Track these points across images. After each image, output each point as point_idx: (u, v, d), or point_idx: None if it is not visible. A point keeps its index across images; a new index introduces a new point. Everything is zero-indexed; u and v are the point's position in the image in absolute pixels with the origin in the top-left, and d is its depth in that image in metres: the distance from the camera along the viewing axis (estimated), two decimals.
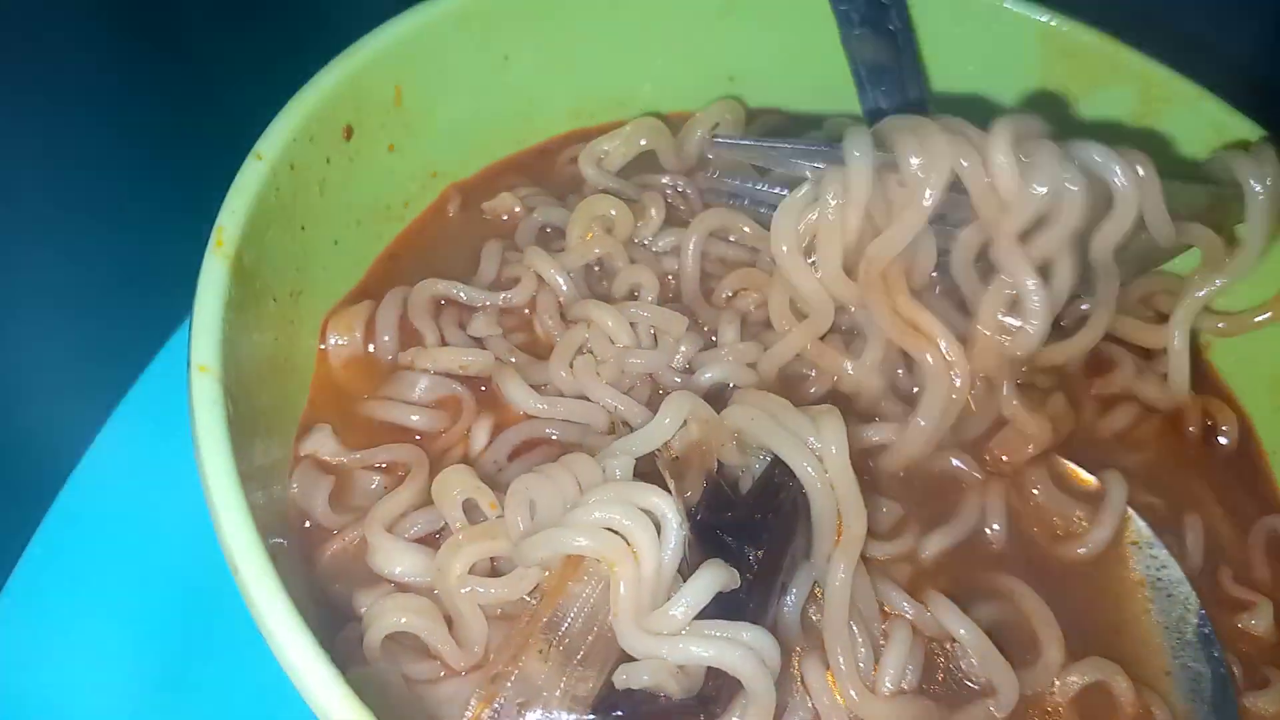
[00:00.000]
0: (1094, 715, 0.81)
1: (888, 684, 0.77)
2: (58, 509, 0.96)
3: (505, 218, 1.02)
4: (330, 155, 0.89)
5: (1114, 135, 1.03)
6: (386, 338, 0.92)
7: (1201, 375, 1.02)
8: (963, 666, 0.81)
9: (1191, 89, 1.01)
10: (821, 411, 0.76)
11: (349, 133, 0.91)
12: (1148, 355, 1.00)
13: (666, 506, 0.71)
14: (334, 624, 0.77)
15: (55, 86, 1.23)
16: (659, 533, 0.70)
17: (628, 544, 0.70)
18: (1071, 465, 0.92)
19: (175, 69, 1.29)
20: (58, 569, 0.94)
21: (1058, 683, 0.81)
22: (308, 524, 0.83)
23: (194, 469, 0.90)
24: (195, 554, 0.92)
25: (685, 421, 0.77)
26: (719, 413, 0.78)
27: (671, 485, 0.74)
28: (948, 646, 0.81)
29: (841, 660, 0.75)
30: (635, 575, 0.70)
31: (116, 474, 0.97)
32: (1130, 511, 0.90)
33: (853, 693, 0.75)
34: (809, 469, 0.75)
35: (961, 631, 0.80)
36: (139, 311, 1.03)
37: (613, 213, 0.97)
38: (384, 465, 0.86)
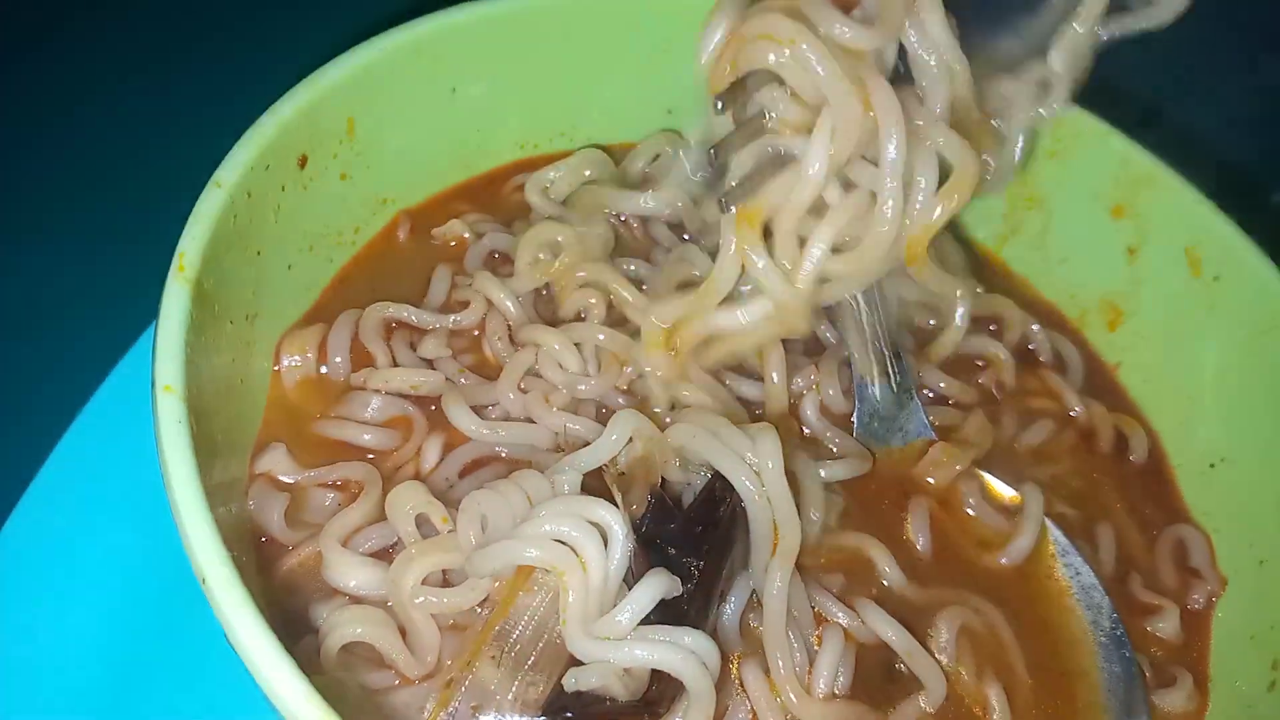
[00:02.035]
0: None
1: (821, 686, 0.81)
2: (11, 526, 0.96)
3: (453, 243, 1.06)
4: (285, 183, 0.92)
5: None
6: (339, 359, 0.94)
7: (1112, 393, 1.09)
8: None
9: (1099, 126, 1.07)
10: (759, 429, 0.81)
11: (303, 161, 0.93)
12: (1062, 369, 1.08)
13: (613, 519, 0.74)
14: (290, 636, 0.78)
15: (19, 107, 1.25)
16: (606, 544, 0.74)
17: (576, 555, 0.73)
18: (991, 480, 0.98)
19: (131, 92, 1.31)
20: (13, 580, 0.94)
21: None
22: (264, 539, 0.85)
23: (148, 485, 0.93)
24: (151, 567, 0.96)
25: (631, 438, 0.81)
26: (663, 430, 0.83)
27: (619, 499, 0.77)
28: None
29: (780, 664, 0.79)
30: (583, 584, 0.73)
31: (71, 489, 0.98)
32: (1047, 522, 0.95)
33: (791, 695, 0.79)
34: (747, 483, 0.79)
35: (890, 634, 0.84)
36: (92, 329, 1.04)
37: (560, 239, 1.01)
38: (338, 483, 0.88)
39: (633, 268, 1.03)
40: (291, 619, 0.81)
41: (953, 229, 1.16)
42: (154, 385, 0.72)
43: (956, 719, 0.84)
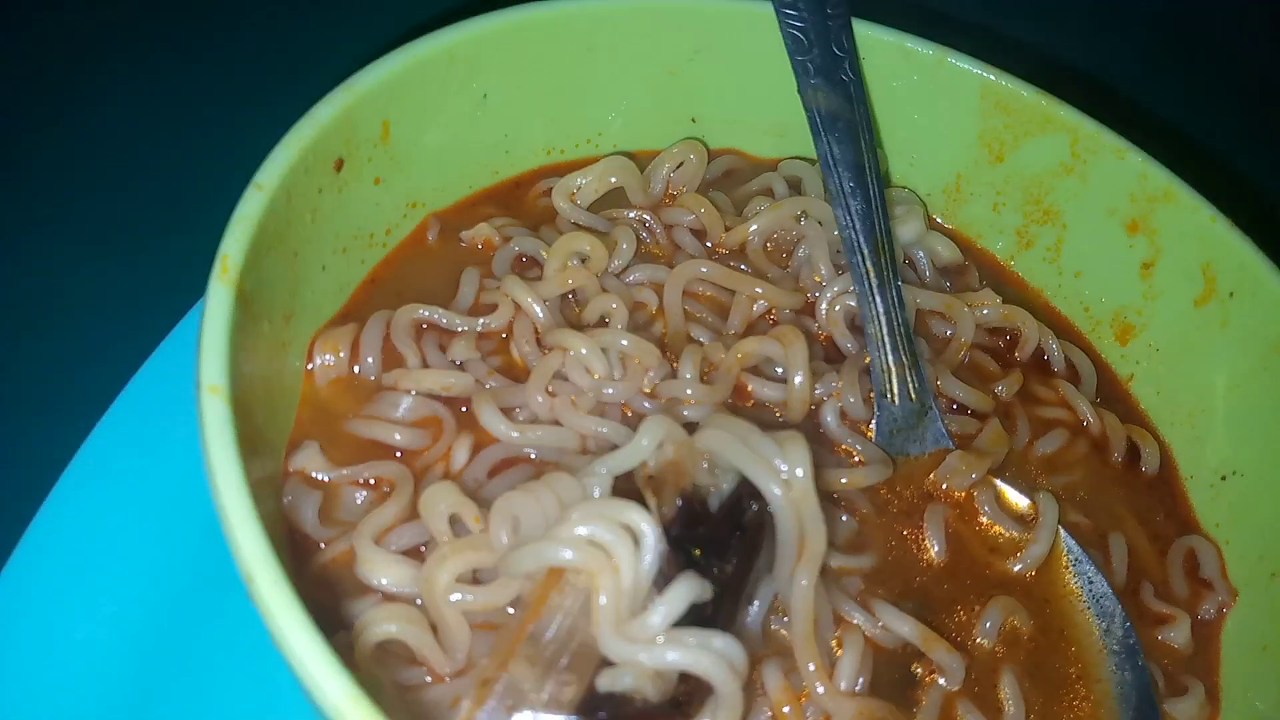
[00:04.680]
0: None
1: (843, 687, 0.83)
2: (38, 523, 0.97)
3: (481, 246, 1.07)
4: (322, 185, 0.93)
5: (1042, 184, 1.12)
6: (370, 359, 0.95)
7: (1124, 405, 1.11)
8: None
9: (1117, 141, 1.09)
10: (788, 437, 0.82)
11: (339, 164, 0.94)
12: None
13: (645, 522, 0.75)
14: (323, 633, 0.80)
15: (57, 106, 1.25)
16: (638, 547, 0.75)
17: (609, 557, 0.75)
18: (1006, 488, 0.99)
19: (168, 94, 1.31)
20: (40, 577, 0.95)
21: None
22: (296, 536, 0.86)
23: (176, 482, 0.94)
24: (179, 563, 0.97)
25: (661, 443, 0.82)
26: (691, 435, 0.84)
27: (651, 503, 0.79)
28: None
29: (812, 666, 0.81)
30: (615, 586, 0.74)
31: (98, 486, 0.99)
32: (1061, 530, 0.97)
33: (820, 689, 0.81)
34: (775, 490, 0.80)
35: (904, 628, 0.87)
36: (122, 326, 1.05)
37: (589, 249, 1.02)
38: (370, 481, 0.89)
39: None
40: (324, 615, 0.80)
41: (963, 241, 1.19)
42: (199, 386, 0.73)
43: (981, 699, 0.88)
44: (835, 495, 0.95)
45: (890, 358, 1.01)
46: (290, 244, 0.89)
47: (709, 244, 1.11)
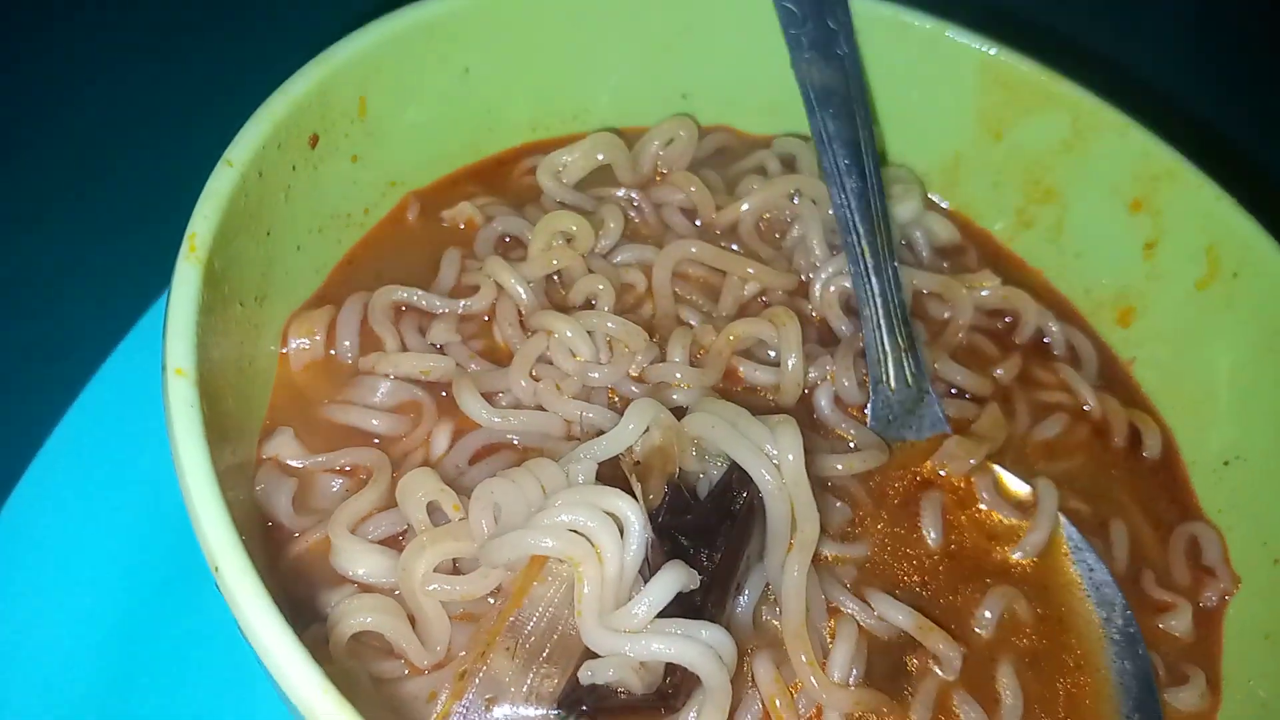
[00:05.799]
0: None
1: (836, 677, 0.80)
2: (9, 508, 0.95)
3: (463, 226, 1.04)
4: (296, 163, 0.90)
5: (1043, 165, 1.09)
6: (347, 342, 0.93)
7: (1126, 388, 1.08)
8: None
9: (1120, 118, 1.06)
10: (779, 421, 0.80)
11: (314, 141, 0.92)
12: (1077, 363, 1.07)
13: (630, 509, 0.73)
14: (298, 624, 0.77)
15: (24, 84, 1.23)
16: (622, 535, 0.73)
17: (592, 545, 0.73)
18: (1004, 474, 0.97)
19: (137, 70, 1.29)
20: (12, 562, 0.93)
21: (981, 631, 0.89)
22: (270, 525, 0.84)
23: (149, 467, 0.92)
24: (151, 549, 0.95)
25: (648, 428, 0.80)
26: (679, 420, 0.81)
27: (638, 489, 0.76)
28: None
29: (803, 657, 0.78)
30: (599, 575, 0.72)
31: (71, 471, 0.97)
32: (1061, 517, 0.94)
33: (814, 681, 0.79)
34: (766, 475, 0.78)
35: (900, 618, 0.85)
36: (94, 309, 1.03)
37: (574, 228, 0.99)
38: (346, 468, 0.87)
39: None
40: (299, 606, 0.80)
41: (961, 221, 1.17)
42: (165, 368, 0.70)
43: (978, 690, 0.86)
44: (829, 482, 0.92)
45: (886, 340, 0.99)
46: (263, 223, 0.87)
47: (699, 223, 1.08)
